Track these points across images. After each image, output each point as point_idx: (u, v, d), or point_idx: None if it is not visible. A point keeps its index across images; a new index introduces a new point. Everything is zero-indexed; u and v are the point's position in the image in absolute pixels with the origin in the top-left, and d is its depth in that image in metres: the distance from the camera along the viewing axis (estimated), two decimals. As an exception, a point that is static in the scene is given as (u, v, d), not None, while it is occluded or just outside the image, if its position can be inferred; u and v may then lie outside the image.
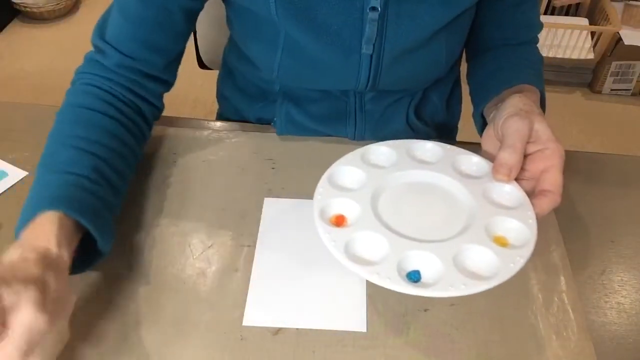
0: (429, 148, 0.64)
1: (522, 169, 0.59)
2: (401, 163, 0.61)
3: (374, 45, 0.68)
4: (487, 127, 0.66)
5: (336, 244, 0.52)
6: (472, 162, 0.63)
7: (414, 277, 0.51)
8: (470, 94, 0.80)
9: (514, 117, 0.60)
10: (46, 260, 0.49)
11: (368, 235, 0.54)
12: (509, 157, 0.58)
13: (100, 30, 0.68)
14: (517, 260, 0.51)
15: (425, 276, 0.51)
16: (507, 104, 0.63)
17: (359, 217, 0.55)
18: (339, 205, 0.57)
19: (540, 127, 0.59)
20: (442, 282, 0.49)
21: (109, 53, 0.67)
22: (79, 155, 0.60)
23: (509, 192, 0.59)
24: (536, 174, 0.59)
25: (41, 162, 0.61)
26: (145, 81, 0.69)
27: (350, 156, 0.62)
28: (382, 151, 0.63)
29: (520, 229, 0.54)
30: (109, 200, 0.60)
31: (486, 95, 0.73)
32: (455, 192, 0.60)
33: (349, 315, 0.58)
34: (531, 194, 0.58)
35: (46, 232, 0.52)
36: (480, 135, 0.72)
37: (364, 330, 0.57)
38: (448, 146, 0.64)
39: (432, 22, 0.68)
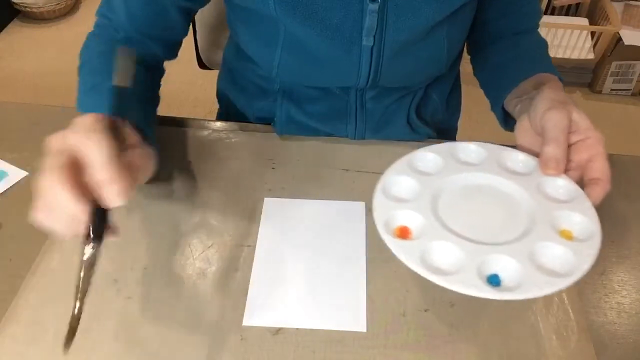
0: (472, 149, 0.63)
1: (567, 159, 0.59)
2: (449, 168, 0.61)
3: (374, 37, 0.68)
4: (520, 122, 0.65)
5: (412, 258, 0.51)
6: (518, 159, 0.62)
7: (494, 281, 0.50)
8: (483, 87, 0.80)
9: (552, 110, 0.60)
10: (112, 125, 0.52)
11: (440, 244, 0.53)
12: (555, 150, 0.58)
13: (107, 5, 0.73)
14: (589, 253, 0.51)
15: (504, 279, 0.50)
16: (541, 97, 0.63)
17: (424, 227, 0.54)
18: (401, 217, 0.56)
19: (579, 117, 0.60)
20: (526, 284, 0.49)
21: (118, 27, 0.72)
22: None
23: (562, 185, 0.58)
24: (582, 164, 0.59)
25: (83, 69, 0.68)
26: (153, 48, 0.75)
27: (398, 166, 0.61)
28: (428, 157, 0.62)
29: (583, 221, 0.54)
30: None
31: (504, 88, 0.73)
32: (509, 191, 0.59)
33: (349, 315, 0.58)
34: (578, 184, 0.58)
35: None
36: (505, 128, 0.73)
37: (364, 330, 0.57)
38: (489, 145, 0.63)
39: (432, 14, 0.68)
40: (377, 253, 0.63)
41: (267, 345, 0.55)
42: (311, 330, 0.57)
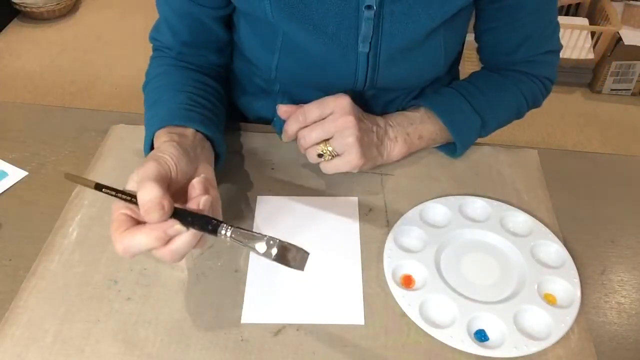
0: (478, 206, 0.68)
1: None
2: (455, 222, 0.66)
3: (370, 43, 0.68)
4: None
5: (412, 307, 0.57)
6: (518, 220, 0.67)
7: (480, 336, 0.56)
8: None
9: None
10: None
11: (438, 297, 0.59)
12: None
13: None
14: (566, 320, 0.57)
15: (490, 335, 0.56)
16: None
17: (426, 278, 0.60)
18: (407, 266, 0.62)
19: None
20: (508, 344, 0.55)
21: (167, 51, 0.76)
22: (181, 95, 0.68)
23: (554, 251, 0.64)
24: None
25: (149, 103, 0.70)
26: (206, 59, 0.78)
27: (410, 215, 0.67)
28: (437, 210, 0.68)
29: (567, 288, 0.60)
30: (214, 117, 0.69)
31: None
32: (505, 250, 0.64)
33: (347, 309, 0.58)
34: None
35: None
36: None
37: (362, 322, 0.57)
38: (495, 203, 0.68)
39: (427, 21, 0.68)
40: (372, 249, 0.63)
41: (267, 345, 0.55)
42: (311, 331, 0.57)
